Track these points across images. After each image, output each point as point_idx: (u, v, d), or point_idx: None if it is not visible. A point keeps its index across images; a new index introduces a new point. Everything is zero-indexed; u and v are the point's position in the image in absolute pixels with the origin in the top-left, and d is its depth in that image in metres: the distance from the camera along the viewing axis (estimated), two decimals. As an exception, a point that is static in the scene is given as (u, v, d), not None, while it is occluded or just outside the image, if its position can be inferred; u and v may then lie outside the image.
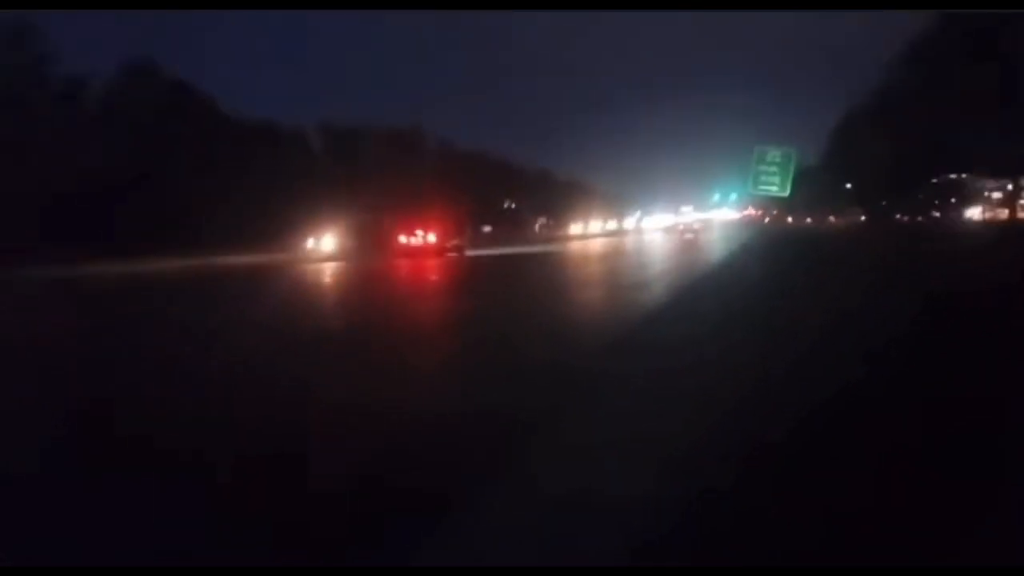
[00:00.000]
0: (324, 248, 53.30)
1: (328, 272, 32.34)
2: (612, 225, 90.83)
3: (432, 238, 47.13)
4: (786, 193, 26.35)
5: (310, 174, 57.40)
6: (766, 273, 20.20)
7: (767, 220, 72.47)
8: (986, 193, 61.10)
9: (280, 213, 50.22)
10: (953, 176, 58.01)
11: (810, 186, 67.51)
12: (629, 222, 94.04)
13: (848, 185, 60.62)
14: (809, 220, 73.23)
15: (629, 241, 57.49)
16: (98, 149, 44.21)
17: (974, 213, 62.73)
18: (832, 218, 71.35)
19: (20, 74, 45.26)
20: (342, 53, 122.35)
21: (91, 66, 52.38)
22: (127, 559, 3.41)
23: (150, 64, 53.15)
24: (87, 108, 48.67)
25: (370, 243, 55.25)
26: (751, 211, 71.21)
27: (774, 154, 26.71)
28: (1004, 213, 59.55)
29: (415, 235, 47.55)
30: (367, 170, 66.43)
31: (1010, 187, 56.43)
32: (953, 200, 62.00)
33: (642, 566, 3.03)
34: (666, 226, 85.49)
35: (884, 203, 61.42)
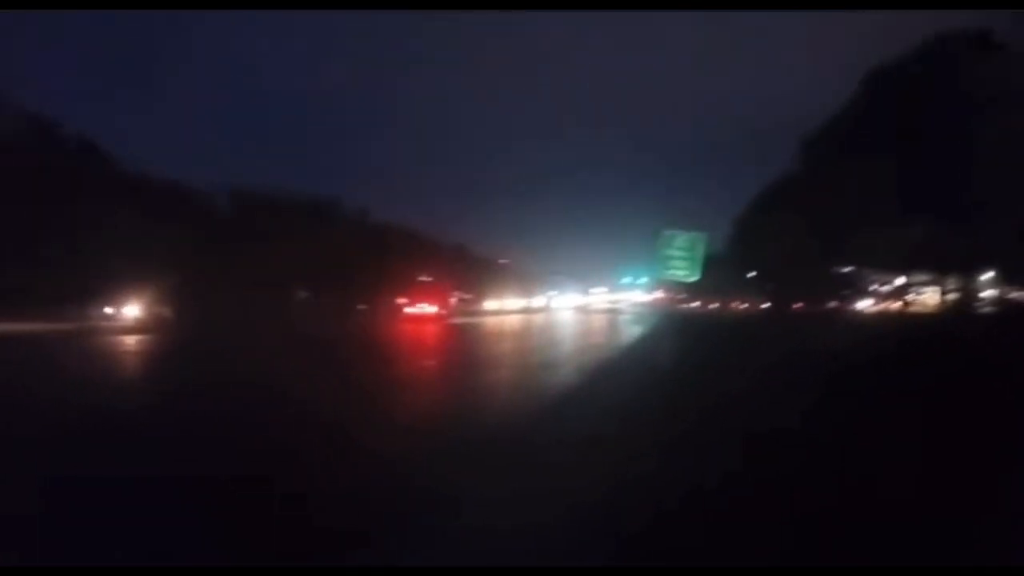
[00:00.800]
0: (128, 315, 47.63)
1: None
2: (526, 303, 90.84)
3: (430, 307, 55.75)
4: (694, 278, 27.17)
5: (211, 239, 55.97)
6: (675, 354, 19.66)
7: (675, 304, 74.26)
8: (875, 287, 63.79)
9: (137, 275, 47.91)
10: (847, 269, 60.25)
11: (717, 271, 70.05)
12: (542, 300, 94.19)
13: (752, 273, 62.75)
14: (715, 305, 75.34)
15: (546, 318, 58.35)
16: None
17: (866, 305, 65.88)
18: (736, 304, 73.64)
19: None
20: (265, 120, 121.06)
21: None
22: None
23: (47, 120, 51.28)
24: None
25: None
26: (660, 294, 73.02)
27: (682, 239, 25.90)
28: (895, 305, 62.86)
29: (416, 305, 56.67)
30: (277, 238, 65.17)
31: (901, 281, 59.48)
32: (847, 292, 64.41)
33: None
34: (577, 305, 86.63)
35: (786, 292, 63.60)
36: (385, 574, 3.12)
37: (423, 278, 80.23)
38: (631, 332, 31.85)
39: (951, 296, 51.23)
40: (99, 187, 50.38)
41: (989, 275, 48.33)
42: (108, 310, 48.30)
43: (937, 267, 48.91)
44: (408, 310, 55.65)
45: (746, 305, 74.23)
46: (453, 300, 65.45)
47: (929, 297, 57.23)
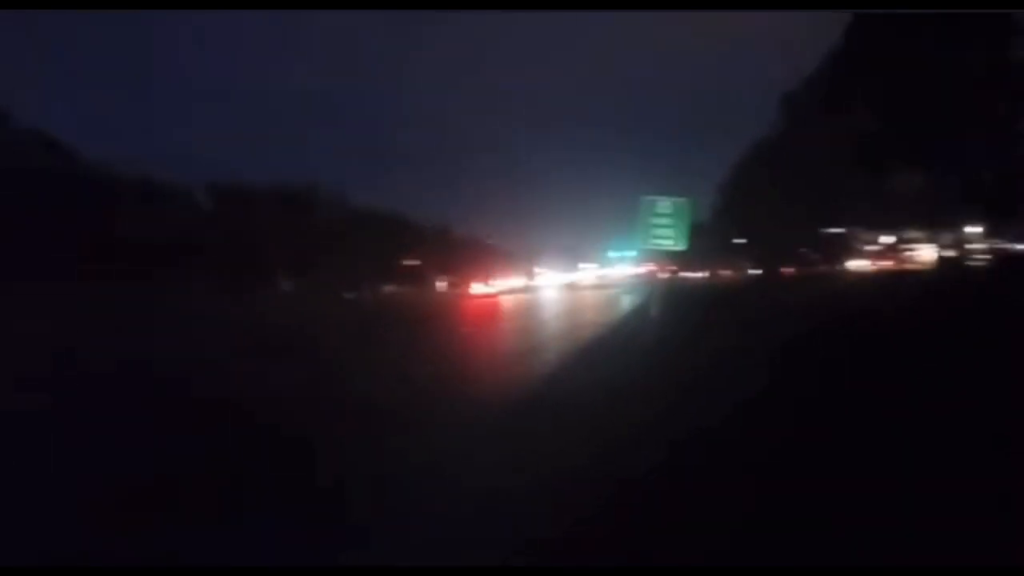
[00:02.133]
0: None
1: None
2: (513, 282, 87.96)
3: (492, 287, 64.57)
4: (681, 247, 25.44)
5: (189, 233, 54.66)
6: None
7: (664, 276, 73.23)
8: (867, 247, 62.90)
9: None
10: (837, 230, 59.22)
11: (704, 239, 68.94)
12: (529, 279, 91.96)
13: (740, 240, 61.77)
14: (705, 274, 74.72)
15: (538, 297, 58.08)
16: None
17: (859, 265, 64.82)
18: (726, 272, 73.06)
19: None
20: (230, 109, 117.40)
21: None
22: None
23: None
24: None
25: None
26: (648, 266, 71.95)
27: (665, 205, 25.50)
28: (888, 264, 61.88)
29: (485, 283, 65.13)
30: (256, 229, 63.46)
31: (891, 239, 58.36)
32: (838, 253, 63.14)
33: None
34: (566, 283, 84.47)
35: (774, 257, 62.29)
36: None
37: (409, 262, 79.48)
38: (618, 309, 32.45)
39: (946, 252, 50.48)
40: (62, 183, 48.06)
41: (977, 229, 47.63)
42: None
43: (929, 223, 47.92)
44: (474, 291, 64.30)
45: (734, 272, 73.85)
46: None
47: (924, 254, 56.45)
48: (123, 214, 50.36)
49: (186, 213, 61.12)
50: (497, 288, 79.15)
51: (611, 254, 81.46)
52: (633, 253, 74.75)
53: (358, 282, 74.11)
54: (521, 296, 65.38)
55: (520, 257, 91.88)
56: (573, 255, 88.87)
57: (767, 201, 51.98)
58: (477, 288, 77.57)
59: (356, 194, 79.68)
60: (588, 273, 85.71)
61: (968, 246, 48.76)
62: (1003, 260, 42.63)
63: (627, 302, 37.50)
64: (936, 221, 46.60)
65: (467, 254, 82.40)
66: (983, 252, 47.21)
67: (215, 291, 53.90)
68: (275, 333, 23.96)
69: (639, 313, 26.60)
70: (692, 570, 3.18)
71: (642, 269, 76.13)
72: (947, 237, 48.97)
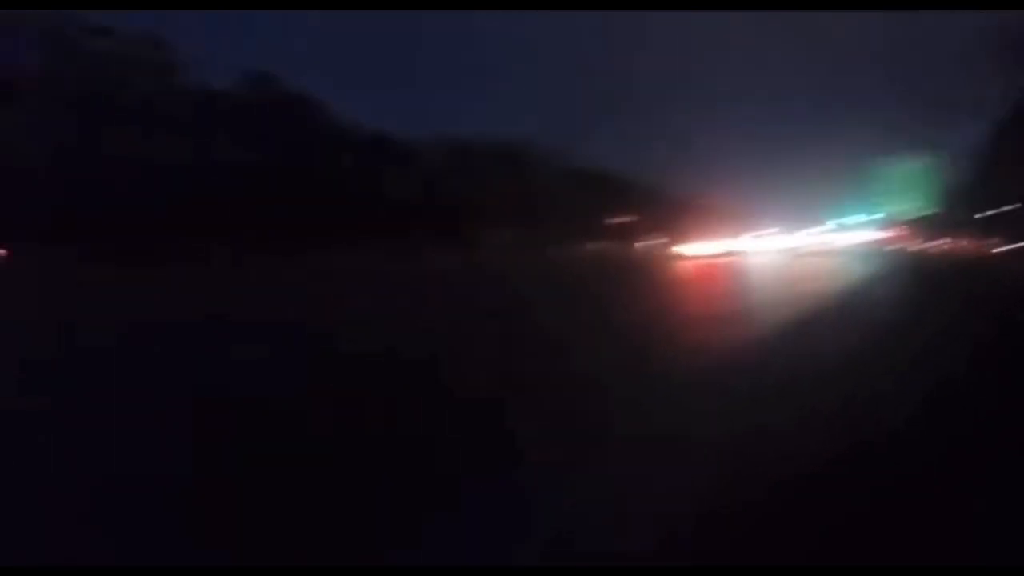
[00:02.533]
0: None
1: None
2: (729, 244, 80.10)
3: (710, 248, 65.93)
4: (929, 212, 19.75)
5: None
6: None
7: (906, 244, 62.46)
8: None
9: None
10: None
11: (956, 205, 60.94)
12: (744, 242, 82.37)
13: (1003, 208, 54.59)
14: (954, 245, 59.90)
15: (754, 262, 52.92)
16: (217, 158, 41.18)
17: None
18: (981, 243, 59.15)
19: (153, 81, 43.56)
20: (454, 66, 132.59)
21: (212, 77, 52.99)
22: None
23: (268, 75, 51.62)
24: (212, 116, 46.08)
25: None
26: (887, 233, 65.01)
27: (909, 165, 19.80)
28: None
29: (695, 244, 66.37)
30: (479, 184, 65.00)
31: None
32: None
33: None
34: (785, 248, 75.92)
35: None
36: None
37: (618, 220, 76.29)
38: (846, 283, 26.12)
39: None
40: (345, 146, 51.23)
41: None
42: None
43: None
44: (683, 251, 64.57)
45: (991, 246, 58.13)
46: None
47: None
48: (361, 171, 52.72)
49: (415, 170, 62.87)
50: (707, 250, 73.22)
51: (844, 218, 73.33)
52: (869, 217, 66.30)
53: (567, 238, 73.28)
54: (733, 260, 59.96)
55: (737, 217, 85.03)
56: (798, 217, 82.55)
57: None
58: (686, 249, 74.03)
59: (573, 146, 78.00)
60: (813, 237, 77.53)
61: None
62: None
63: (859, 275, 31.40)
64: None
65: (679, 213, 78.04)
66: None
67: (438, 246, 55.33)
68: (484, 295, 24.82)
69: (873, 290, 21.52)
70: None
71: (879, 236, 61.11)
72: None
